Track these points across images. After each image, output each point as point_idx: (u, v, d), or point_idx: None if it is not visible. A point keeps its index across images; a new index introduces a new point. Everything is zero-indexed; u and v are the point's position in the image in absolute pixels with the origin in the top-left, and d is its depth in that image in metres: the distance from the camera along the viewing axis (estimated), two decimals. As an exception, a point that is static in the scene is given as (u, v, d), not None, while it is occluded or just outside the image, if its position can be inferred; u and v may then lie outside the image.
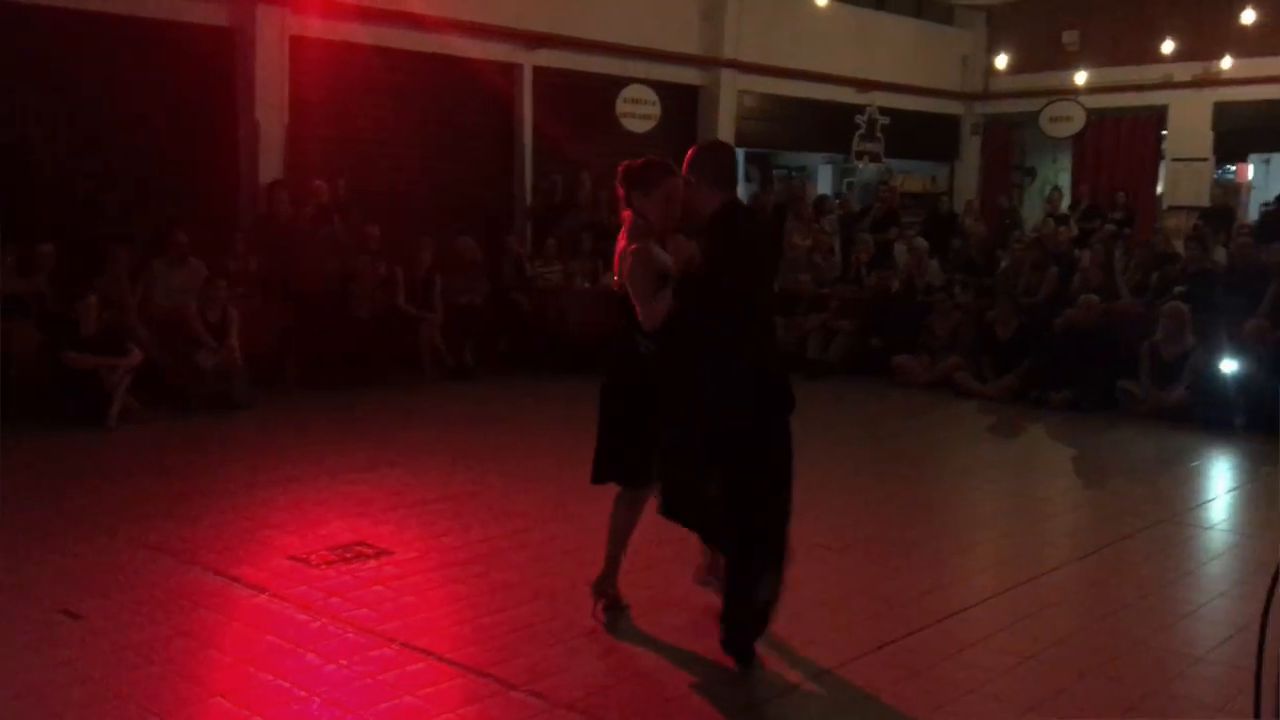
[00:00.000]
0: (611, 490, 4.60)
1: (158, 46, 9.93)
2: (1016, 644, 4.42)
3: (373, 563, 5.20)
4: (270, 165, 10.46)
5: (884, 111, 16.18)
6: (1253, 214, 15.31)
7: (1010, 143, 18.10)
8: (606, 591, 4.62)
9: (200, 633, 4.33)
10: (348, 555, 5.30)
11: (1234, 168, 17.09)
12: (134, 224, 9.85)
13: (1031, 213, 16.43)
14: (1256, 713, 1.93)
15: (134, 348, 8.31)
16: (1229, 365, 9.26)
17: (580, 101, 13.10)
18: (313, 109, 10.88)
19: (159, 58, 9.98)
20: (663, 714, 3.69)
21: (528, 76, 12.53)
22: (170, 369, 8.81)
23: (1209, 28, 14.78)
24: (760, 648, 4.23)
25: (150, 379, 8.55)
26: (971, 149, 18.02)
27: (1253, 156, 17.05)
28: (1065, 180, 17.56)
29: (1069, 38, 16.31)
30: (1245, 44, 14.46)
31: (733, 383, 4.08)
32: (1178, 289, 10.57)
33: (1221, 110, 15.57)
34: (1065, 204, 15.36)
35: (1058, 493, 7.42)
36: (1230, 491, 7.69)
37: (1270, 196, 15.04)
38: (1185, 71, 15.48)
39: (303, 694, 3.79)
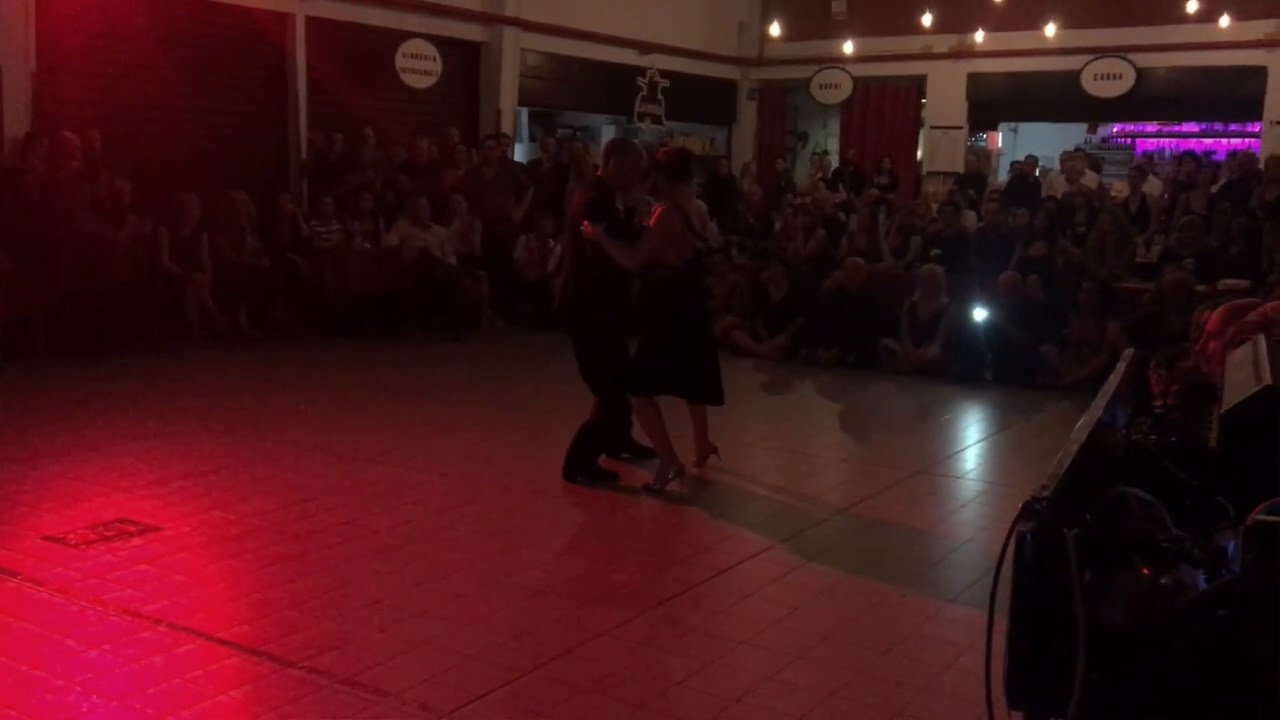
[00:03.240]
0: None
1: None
2: (785, 595, 4.65)
3: (137, 540, 4.97)
4: (16, 115, 9.68)
5: (664, 74, 16.43)
6: (1004, 177, 16.37)
7: (784, 108, 18.69)
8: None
9: (-56, 624, 4.04)
10: (109, 533, 5.04)
11: (985, 136, 18.24)
12: None
13: (804, 176, 17.06)
14: (988, 652, 2.09)
15: None
16: (980, 313, 9.94)
17: (358, 55, 12.70)
18: (66, 55, 10.10)
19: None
20: (441, 686, 3.70)
21: (301, 26, 12.03)
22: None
23: (964, 2, 15.61)
24: (538, 619, 4.34)
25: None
26: (748, 113, 18.50)
27: (1002, 125, 18.24)
28: (835, 145, 18.32)
29: (837, 8, 16.94)
30: (996, 19, 15.37)
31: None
32: (934, 252, 11.24)
33: (975, 81, 16.54)
34: (834, 169, 16.03)
35: (825, 447, 7.81)
36: (980, 441, 8.29)
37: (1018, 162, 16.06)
38: (943, 43, 16.33)
39: (60, 683, 3.60)
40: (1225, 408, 2.73)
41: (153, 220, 9.91)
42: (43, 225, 9.20)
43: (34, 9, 9.75)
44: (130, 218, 9.72)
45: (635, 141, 7.12)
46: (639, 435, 6.49)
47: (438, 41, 13.30)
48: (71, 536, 4.98)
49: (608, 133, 18.04)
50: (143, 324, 9.72)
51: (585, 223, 5.93)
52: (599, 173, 6.39)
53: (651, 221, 6.02)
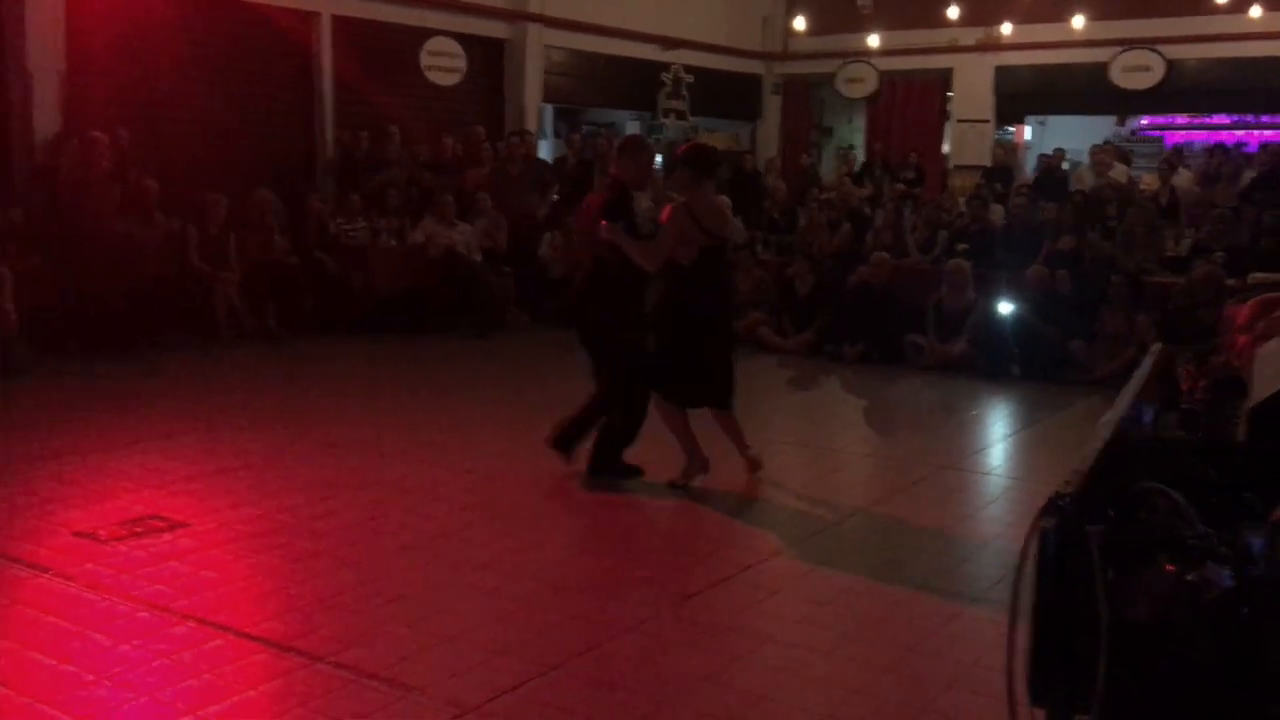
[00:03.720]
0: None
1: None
2: (810, 592, 4.65)
3: (167, 536, 5.02)
4: (47, 116, 9.79)
5: (689, 70, 16.41)
6: (1030, 171, 16.25)
7: (809, 102, 18.62)
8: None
9: (-23, 619, 4.10)
10: (139, 529, 5.09)
11: (1012, 129, 18.11)
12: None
13: (829, 171, 17.01)
14: (1010, 649, 2.09)
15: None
16: (1007, 307, 9.88)
17: (384, 53, 12.77)
18: (95, 57, 10.22)
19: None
20: (468, 681, 3.72)
21: (327, 25, 12.11)
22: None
23: (991, -6, 15.54)
24: (563, 614, 4.34)
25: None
26: (773, 108, 18.45)
27: (1029, 118, 18.11)
28: (860, 139, 18.23)
29: (862, 1, 16.85)
30: (1023, 11, 15.27)
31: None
32: (960, 246, 11.18)
33: (1001, 74, 16.43)
34: (860, 164, 15.97)
35: (850, 443, 7.79)
36: (1007, 437, 8.24)
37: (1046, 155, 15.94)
38: (969, 36, 16.24)
39: (91, 678, 3.64)
40: (1253, 403, 2.70)
41: (181, 219, 10.00)
42: (73, 224, 9.31)
43: (63, 11, 9.86)
44: (158, 216, 9.82)
45: (647, 139, 7.12)
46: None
47: (462, 39, 13.35)
48: (102, 532, 5.03)
49: (632, 129, 18.06)
50: (171, 322, 9.80)
51: (603, 221, 5.92)
52: (612, 171, 6.35)
53: (663, 220, 6.01)
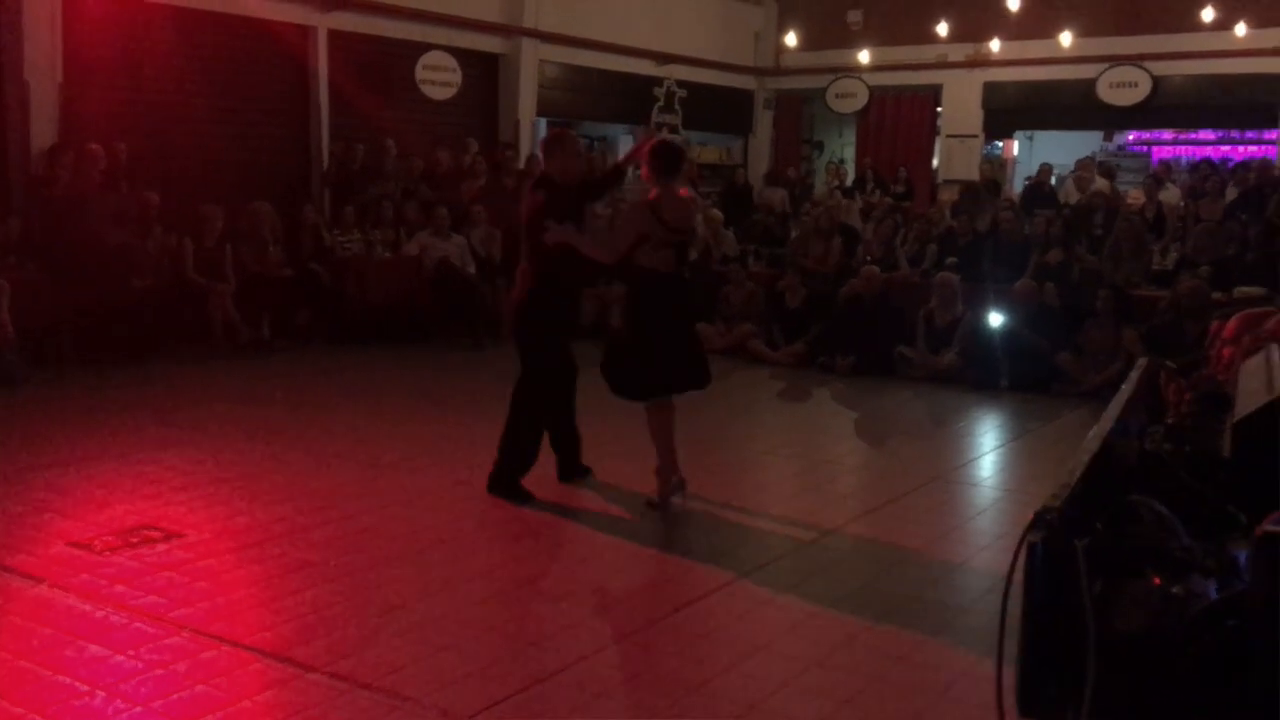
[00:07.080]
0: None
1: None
2: (802, 601, 4.68)
3: (162, 546, 5.03)
4: (43, 128, 9.80)
5: (681, 84, 16.51)
6: (1018, 186, 16.38)
7: (800, 117, 18.74)
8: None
9: (-28, 629, 4.11)
10: (134, 539, 5.11)
11: (1001, 144, 18.24)
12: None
13: (820, 185, 17.11)
14: (998, 661, 2.12)
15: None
16: (996, 318, 9.95)
17: (379, 67, 12.82)
18: (92, 69, 10.24)
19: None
20: (461, 691, 3.75)
21: (323, 39, 12.15)
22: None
23: (979, 11, 15.65)
24: (555, 624, 4.37)
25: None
26: (764, 123, 18.55)
27: (1017, 133, 18.25)
28: (851, 154, 18.35)
29: (853, 17, 17.00)
30: (1011, 27, 15.39)
31: None
32: (949, 260, 11.26)
33: (990, 89, 16.56)
34: (851, 178, 16.07)
35: (841, 454, 7.82)
36: (996, 448, 8.28)
37: (1033, 171, 16.08)
38: (958, 52, 16.36)
39: (85, 689, 3.66)
40: (1238, 417, 2.75)
41: (177, 231, 10.02)
42: (69, 235, 9.31)
43: (61, 22, 9.88)
44: (156, 229, 9.83)
45: (568, 129, 7.13)
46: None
47: (457, 53, 13.41)
48: (97, 543, 5.05)
49: (625, 143, 18.13)
50: (167, 333, 9.80)
51: (546, 223, 5.72)
52: (544, 170, 6.24)
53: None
